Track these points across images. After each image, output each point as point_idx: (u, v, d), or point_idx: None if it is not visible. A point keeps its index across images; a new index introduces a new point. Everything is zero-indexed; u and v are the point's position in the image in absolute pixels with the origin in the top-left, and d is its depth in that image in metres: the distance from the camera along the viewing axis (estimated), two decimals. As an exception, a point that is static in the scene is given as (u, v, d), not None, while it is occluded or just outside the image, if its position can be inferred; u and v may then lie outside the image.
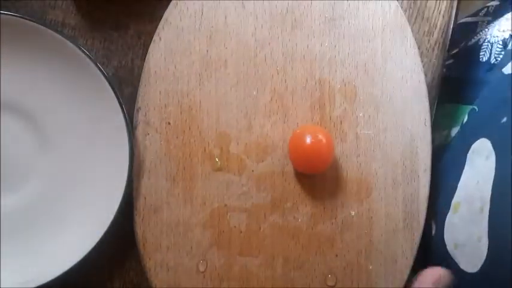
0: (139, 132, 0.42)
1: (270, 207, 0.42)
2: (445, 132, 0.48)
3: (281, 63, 0.42)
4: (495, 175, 0.36)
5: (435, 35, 0.45)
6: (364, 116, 0.43)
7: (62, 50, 0.40)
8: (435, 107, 0.46)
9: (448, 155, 0.45)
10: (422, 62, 0.43)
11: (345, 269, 0.42)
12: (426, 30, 0.44)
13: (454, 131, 0.48)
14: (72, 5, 0.43)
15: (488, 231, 0.35)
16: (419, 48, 0.43)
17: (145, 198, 0.42)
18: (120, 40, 0.44)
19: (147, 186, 0.42)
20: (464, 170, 0.41)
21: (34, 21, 0.39)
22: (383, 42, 0.43)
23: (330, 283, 0.42)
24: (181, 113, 0.42)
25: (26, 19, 0.39)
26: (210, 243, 0.42)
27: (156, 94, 0.42)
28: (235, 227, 0.42)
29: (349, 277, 0.42)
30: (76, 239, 0.41)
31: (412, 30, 0.43)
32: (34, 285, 0.40)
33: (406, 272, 0.42)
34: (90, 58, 0.40)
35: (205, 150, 0.42)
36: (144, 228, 0.42)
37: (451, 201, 0.41)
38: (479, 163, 0.39)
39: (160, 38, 0.42)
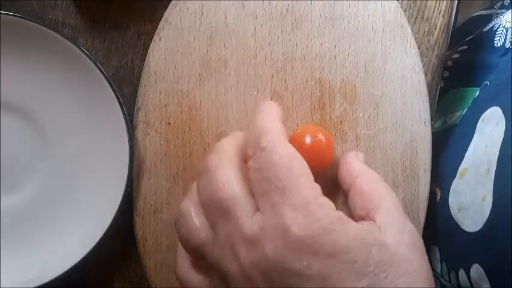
0: (139, 132, 0.42)
1: (270, 207, 0.42)
2: (458, 113, 0.48)
3: (281, 63, 0.42)
4: (504, 137, 0.36)
5: (435, 35, 0.44)
6: (364, 116, 0.43)
7: (62, 50, 0.40)
8: (437, 96, 0.46)
9: (459, 129, 0.45)
10: (422, 62, 0.43)
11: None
12: (426, 30, 0.44)
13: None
14: (72, 5, 0.43)
15: (494, 189, 0.35)
16: (419, 48, 0.43)
17: (145, 198, 0.42)
18: (120, 40, 0.44)
19: (147, 186, 0.42)
20: (473, 139, 0.41)
21: (34, 21, 0.39)
22: (383, 42, 0.43)
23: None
24: (181, 113, 0.42)
25: (26, 19, 0.39)
26: (210, 243, 0.42)
27: (156, 94, 0.42)
28: (235, 227, 0.42)
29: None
30: (76, 239, 0.41)
31: (412, 30, 0.43)
32: (34, 285, 0.40)
33: (406, 272, 0.42)
34: (90, 58, 0.40)
35: (205, 150, 0.42)
36: (144, 228, 0.42)
37: (457, 168, 0.41)
38: (489, 129, 0.39)
39: (160, 38, 0.42)
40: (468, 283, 0.37)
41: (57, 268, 0.40)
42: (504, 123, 0.37)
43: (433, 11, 0.44)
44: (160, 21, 0.42)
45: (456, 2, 0.45)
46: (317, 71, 0.43)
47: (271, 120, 0.32)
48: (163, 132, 0.42)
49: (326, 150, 0.41)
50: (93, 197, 0.42)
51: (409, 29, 0.43)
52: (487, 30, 0.48)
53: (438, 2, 0.44)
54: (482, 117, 0.40)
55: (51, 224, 0.42)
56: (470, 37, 0.51)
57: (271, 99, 0.42)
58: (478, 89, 0.45)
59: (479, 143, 0.40)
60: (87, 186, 0.42)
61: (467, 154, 0.41)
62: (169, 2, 0.42)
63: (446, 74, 0.51)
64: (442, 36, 0.45)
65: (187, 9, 0.42)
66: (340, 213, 0.29)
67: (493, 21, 0.48)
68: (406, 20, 0.43)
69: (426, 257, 0.30)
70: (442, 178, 0.43)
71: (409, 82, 0.43)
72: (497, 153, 0.36)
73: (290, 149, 0.31)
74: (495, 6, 0.52)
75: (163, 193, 0.42)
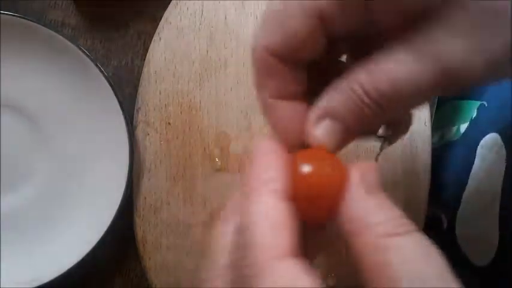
0: (139, 132, 0.42)
1: (270, 207, 0.42)
2: (455, 128, 0.48)
3: (281, 63, 0.42)
4: (506, 169, 0.36)
5: (435, 35, 0.44)
6: (364, 116, 0.43)
7: (62, 50, 0.40)
8: (436, 104, 0.46)
9: (458, 150, 0.45)
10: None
11: (345, 269, 0.42)
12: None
13: (463, 126, 0.48)
14: (72, 5, 0.43)
15: (499, 223, 0.36)
16: (419, 48, 0.43)
17: (145, 198, 0.42)
18: (120, 40, 0.44)
19: (147, 186, 0.42)
20: (474, 164, 0.41)
21: (34, 21, 0.39)
22: (383, 42, 0.43)
23: (330, 283, 0.42)
24: (181, 113, 0.42)
25: (26, 19, 0.39)
26: (210, 243, 0.42)
27: (156, 94, 0.42)
28: (235, 227, 0.42)
29: (349, 277, 0.42)
30: (76, 239, 0.41)
31: (412, 30, 0.43)
32: (34, 285, 0.40)
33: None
34: (90, 58, 0.40)
35: (205, 150, 0.42)
36: (144, 228, 0.42)
37: (461, 195, 0.41)
38: (490, 157, 0.39)
39: (160, 38, 0.42)
40: None
41: (57, 268, 0.40)
42: (505, 153, 0.37)
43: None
44: (160, 21, 0.42)
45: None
46: (317, 71, 0.43)
47: (270, 202, 0.20)
48: (163, 132, 0.42)
49: (336, 192, 0.23)
50: (93, 197, 0.42)
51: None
52: None
53: (438, 2, 0.44)
54: (481, 142, 0.41)
55: (51, 224, 0.42)
56: None
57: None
58: (474, 102, 0.46)
59: (481, 171, 0.40)
60: (87, 186, 0.42)
61: (469, 182, 0.41)
62: (169, 2, 0.42)
63: None
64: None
65: (187, 9, 0.42)
66: None
67: None
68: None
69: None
70: (446, 204, 0.43)
71: (409, 82, 0.43)
72: (501, 184, 0.36)
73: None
74: None
75: (163, 193, 0.42)
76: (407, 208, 0.42)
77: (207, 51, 0.42)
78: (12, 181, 0.42)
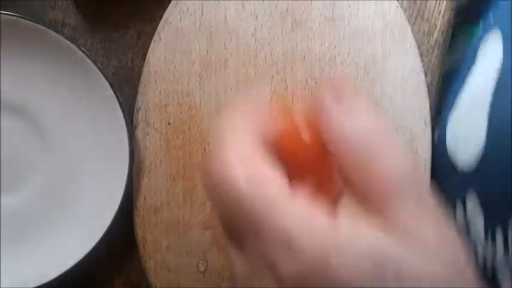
0: (139, 132, 0.42)
1: (270, 207, 0.42)
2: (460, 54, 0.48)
3: (281, 63, 0.42)
4: (501, 64, 0.36)
5: (435, 35, 0.44)
6: (364, 116, 0.43)
7: (62, 50, 0.40)
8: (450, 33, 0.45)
9: (459, 66, 0.44)
10: (422, 62, 0.43)
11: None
12: (426, 30, 0.44)
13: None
14: (72, 5, 0.43)
15: (489, 115, 0.35)
16: (419, 48, 0.43)
17: (145, 198, 0.42)
18: (120, 40, 0.44)
19: (147, 186, 0.42)
20: (472, 69, 0.40)
21: (34, 21, 0.39)
22: (383, 42, 0.43)
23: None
24: (181, 113, 0.42)
25: (26, 19, 0.39)
26: (210, 243, 0.42)
27: (156, 94, 0.42)
28: (235, 227, 0.42)
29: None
30: (76, 239, 0.41)
31: (412, 30, 0.43)
32: (34, 285, 0.40)
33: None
34: (90, 58, 0.40)
35: (205, 150, 0.42)
36: (144, 228, 0.42)
37: (455, 101, 0.41)
38: (488, 56, 0.38)
39: (160, 38, 0.42)
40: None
41: (57, 268, 0.40)
42: (502, 47, 0.37)
43: (433, 11, 0.44)
44: (160, 21, 0.42)
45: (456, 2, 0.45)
46: (317, 71, 0.43)
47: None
48: (163, 132, 0.42)
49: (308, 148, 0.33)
50: (93, 197, 0.42)
51: (409, 29, 0.43)
52: None
53: (438, 2, 0.44)
54: (482, 43, 0.40)
55: (51, 224, 0.42)
56: None
57: (271, 99, 0.42)
58: (479, 25, 0.45)
59: (477, 73, 0.39)
60: (87, 186, 0.42)
61: (466, 85, 0.40)
62: (169, 2, 0.42)
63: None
64: (442, 36, 0.45)
65: (187, 9, 0.42)
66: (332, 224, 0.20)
67: None
68: (406, 20, 0.43)
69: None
70: (440, 117, 0.42)
71: (409, 82, 0.43)
72: (495, 79, 0.36)
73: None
74: None
75: (163, 193, 0.42)
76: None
77: (207, 51, 0.42)
78: (12, 181, 0.42)
